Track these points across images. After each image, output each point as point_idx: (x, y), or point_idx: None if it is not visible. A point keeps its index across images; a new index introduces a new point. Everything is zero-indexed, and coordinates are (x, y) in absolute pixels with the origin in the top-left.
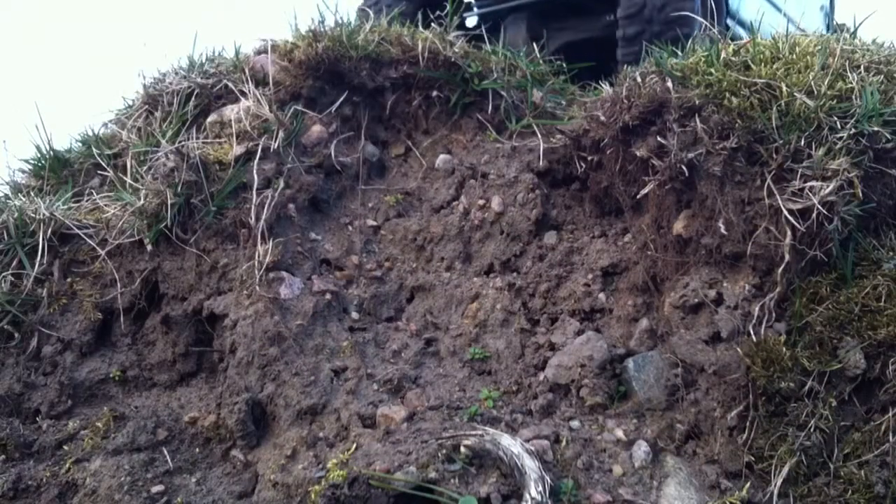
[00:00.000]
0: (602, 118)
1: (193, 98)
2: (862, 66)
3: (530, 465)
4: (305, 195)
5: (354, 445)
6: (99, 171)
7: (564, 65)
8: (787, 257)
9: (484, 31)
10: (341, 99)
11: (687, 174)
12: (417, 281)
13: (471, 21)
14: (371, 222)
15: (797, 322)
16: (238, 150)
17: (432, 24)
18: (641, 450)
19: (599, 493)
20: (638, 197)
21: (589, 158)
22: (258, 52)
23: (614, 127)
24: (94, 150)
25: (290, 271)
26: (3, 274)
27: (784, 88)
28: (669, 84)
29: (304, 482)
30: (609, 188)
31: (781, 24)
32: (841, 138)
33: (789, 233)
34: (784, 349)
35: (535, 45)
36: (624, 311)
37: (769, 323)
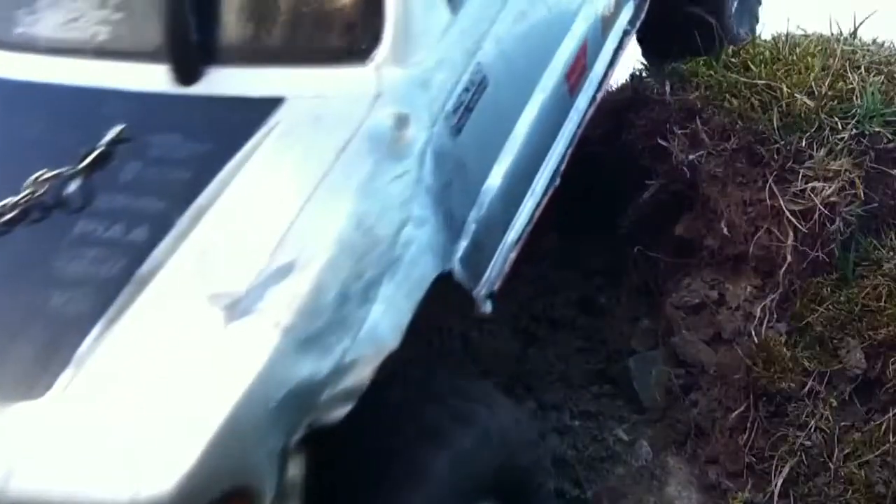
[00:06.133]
0: (599, 130)
1: None
2: (862, 67)
3: None
4: None
5: None
6: None
7: None
8: (788, 258)
9: None
10: None
11: (688, 175)
12: None
13: None
14: None
15: (798, 322)
16: None
17: None
18: (642, 450)
19: (600, 492)
20: (640, 201)
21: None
22: None
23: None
24: None
25: None
26: None
27: (785, 89)
28: (668, 87)
29: None
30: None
31: None
32: (842, 139)
33: (791, 234)
34: (785, 349)
35: None
36: (624, 310)
37: (770, 323)
